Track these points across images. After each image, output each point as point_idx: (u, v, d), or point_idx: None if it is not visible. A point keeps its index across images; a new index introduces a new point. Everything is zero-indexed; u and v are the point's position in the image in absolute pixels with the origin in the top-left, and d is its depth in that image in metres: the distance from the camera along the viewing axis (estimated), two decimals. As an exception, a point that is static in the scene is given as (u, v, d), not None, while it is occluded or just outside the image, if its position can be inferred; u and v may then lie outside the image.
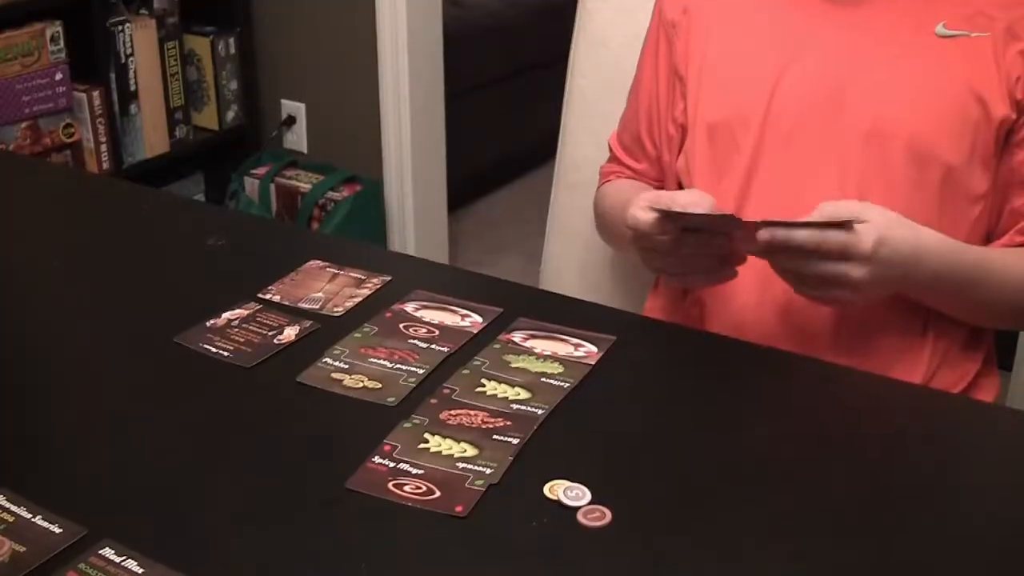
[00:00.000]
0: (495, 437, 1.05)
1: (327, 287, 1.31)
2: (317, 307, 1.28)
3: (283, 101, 3.60)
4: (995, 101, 1.34)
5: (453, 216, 3.63)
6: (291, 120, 3.61)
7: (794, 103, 1.39)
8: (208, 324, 1.25)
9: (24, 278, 1.38)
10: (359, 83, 3.42)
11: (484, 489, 0.98)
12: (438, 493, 0.97)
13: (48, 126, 3.12)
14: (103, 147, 3.22)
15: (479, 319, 1.25)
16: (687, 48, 1.47)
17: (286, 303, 1.29)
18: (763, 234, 1.17)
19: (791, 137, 1.38)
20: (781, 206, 1.29)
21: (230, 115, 3.55)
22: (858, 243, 1.18)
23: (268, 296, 1.30)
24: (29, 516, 0.96)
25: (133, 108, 3.29)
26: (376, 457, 1.02)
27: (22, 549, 0.93)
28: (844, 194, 1.32)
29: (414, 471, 1.00)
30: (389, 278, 1.33)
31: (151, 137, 3.34)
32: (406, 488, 0.98)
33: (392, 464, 1.01)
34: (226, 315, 1.26)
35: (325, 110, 3.55)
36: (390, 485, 0.98)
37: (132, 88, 3.28)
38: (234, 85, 3.54)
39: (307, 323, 1.25)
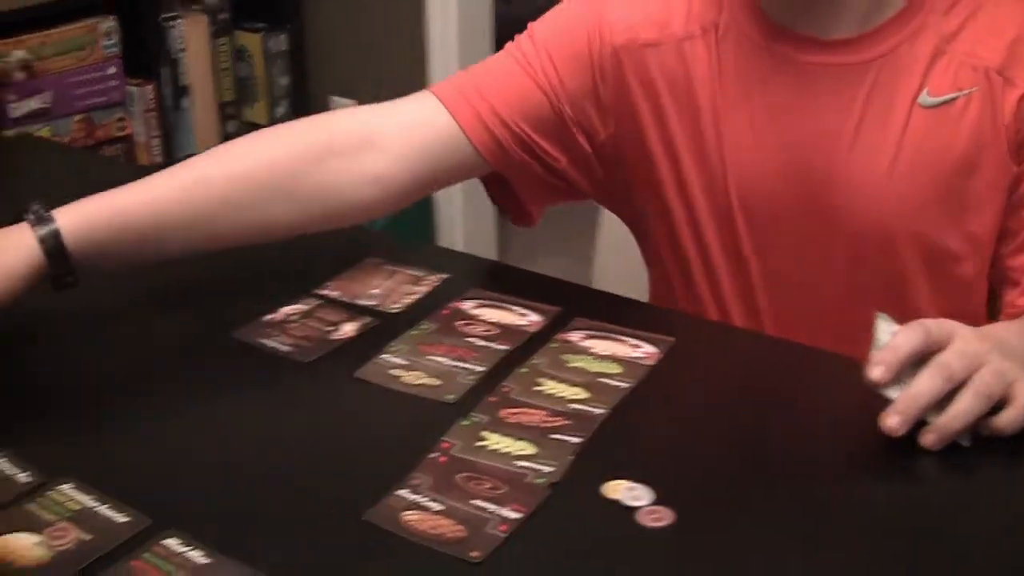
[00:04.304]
0: (554, 436, 1.05)
1: (384, 284, 1.32)
2: (374, 304, 1.28)
3: (333, 98, 3.62)
4: (997, 162, 1.25)
5: (501, 213, 3.62)
6: (340, 117, 3.62)
7: (759, 194, 1.30)
8: (266, 319, 1.26)
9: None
10: (408, 80, 3.43)
11: (546, 487, 0.98)
12: (503, 490, 0.98)
13: (101, 119, 3.16)
14: (155, 141, 3.25)
15: (537, 318, 1.25)
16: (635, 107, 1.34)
17: (344, 299, 1.29)
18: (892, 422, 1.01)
19: (770, 232, 1.32)
20: (801, 323, 1.28)
21: (280, 111, 3.57)
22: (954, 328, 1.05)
23: (325, 292, 1.31)
24: (94, 505, 0.97)
25: (184, 103, 3.32)
26: (434, 453, 1.02)
27: (88, 537, 0.94)
28: (859, 300, 1.28)
29: (471, 469, 1.01)
30: (446, 276, 1.34)
31: (201, 132, 3.37)
32: (464, 487, 0.98)
33: (449, 460, 1.02)
34: (284, 310, 1.27)
35: (375, 107, 3.56)
36: (453, 479, 0.99)
37: (183, 83, 3.30)
38: (284, 81, 3.56)
39: (365, 319, 1.25)
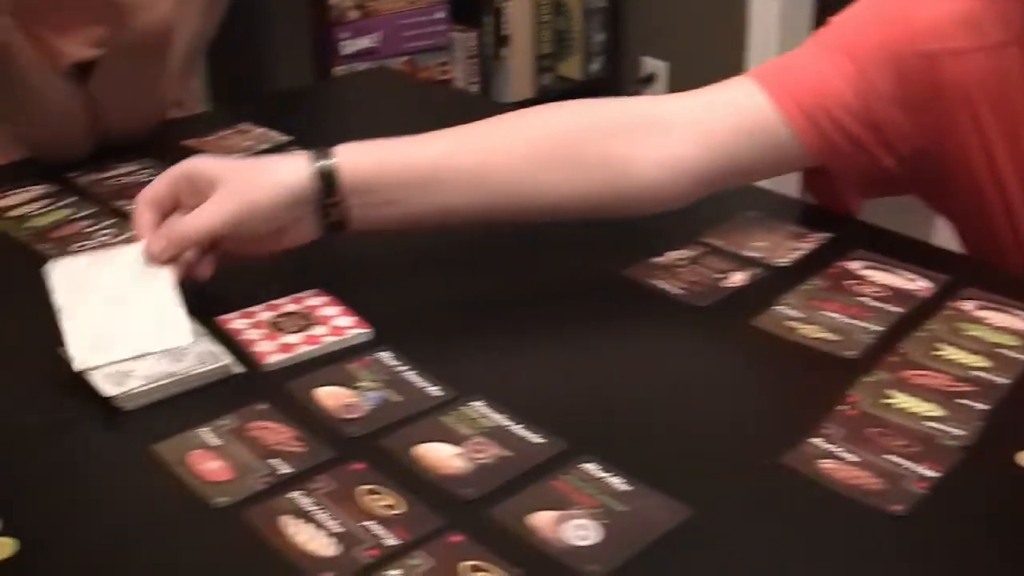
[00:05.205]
0: (959, 400, 1.04)
1: (768, 237, 1.33)
2: (761, 256, 1.29)
3: (645, 58, 3.63)
4: None
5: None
6: (650, 78, 3.63)
7: None
8: (653, 261, 1.28)
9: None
10: (724, 48, 3.42)
11: (958, 449, 0.97)
12: (917, 448, 0.97)
13: (424, 62, 3.24)
14: (473, 87, 3.33)
15: (926, 284, 1.23)
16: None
17: (729, 249, 1.31)
18: None
19: None
20: None
21: (594, 67, 3.61)
22: None
23: (710, 241, 1.32)
24: (508, 424, 1.00)
25: (504, 52, 3.38)
26: (842, 406, 1.03)
27: (507, 454, 0.97)
28: None
29: (881, 425, 1.01)
30: (830, 235, 1.33)
31: (517, 82, 3.43)
32: (877, 441, 0.98)
33: (859, 414, 1.02)
34: (670, 255, 1.29)
35: (688, 70, 3.56)
36: (865, 432, 0.99)
37: (504, 33, 3.37)
38: (600, 38, 3.59)
39: (754, 270, 1.26)
